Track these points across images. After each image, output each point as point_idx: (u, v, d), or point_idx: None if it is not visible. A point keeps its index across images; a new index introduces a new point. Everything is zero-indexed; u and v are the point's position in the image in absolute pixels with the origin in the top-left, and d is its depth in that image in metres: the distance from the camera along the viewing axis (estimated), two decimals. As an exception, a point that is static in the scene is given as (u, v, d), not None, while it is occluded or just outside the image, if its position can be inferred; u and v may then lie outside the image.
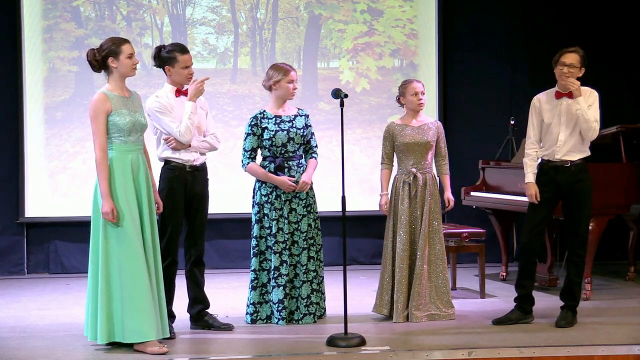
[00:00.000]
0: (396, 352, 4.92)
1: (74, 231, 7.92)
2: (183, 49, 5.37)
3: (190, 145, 5.37)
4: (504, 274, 7.34)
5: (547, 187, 5.57)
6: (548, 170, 5.58)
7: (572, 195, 5.54)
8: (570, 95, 5.48)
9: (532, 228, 5.60)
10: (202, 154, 5.49)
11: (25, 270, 7.98)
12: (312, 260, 5.72)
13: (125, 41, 5.00)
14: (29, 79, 7.91)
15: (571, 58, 5.49)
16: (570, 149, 5.52)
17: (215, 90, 7.97)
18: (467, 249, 6.74)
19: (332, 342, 5.07)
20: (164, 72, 5.40)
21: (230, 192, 7.69)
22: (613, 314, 5.93)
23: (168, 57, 5.34)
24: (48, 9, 7.95)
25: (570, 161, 5.51)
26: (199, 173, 5.47)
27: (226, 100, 8.07)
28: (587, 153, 5.58)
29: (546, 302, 6.08)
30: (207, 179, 5.57)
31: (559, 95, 5.53)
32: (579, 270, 5.58)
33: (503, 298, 6.34)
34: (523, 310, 5.61)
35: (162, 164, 5.45)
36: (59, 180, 7.96)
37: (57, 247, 8.01)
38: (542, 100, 5.61)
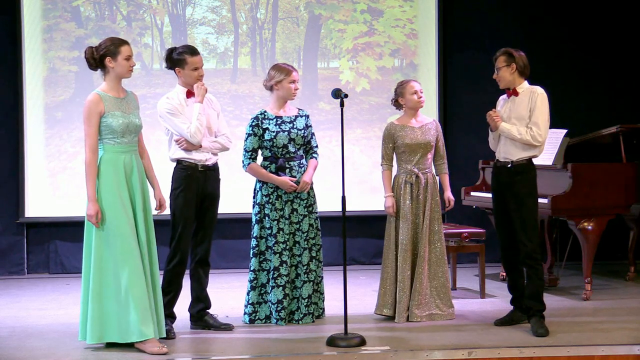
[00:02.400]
0: (396, 352, 4.92)
1: (74, 231, 7.90)
2: (193, 51, 5.41)
3: (201, 146, 5.38)
4: (504, 273, 7.33)
5: (495, 187, 5.61)
6: (495, 169, 5.61)
7: (509, 197, 5.47)
8: (516, 93, 5.50)
9: (500, 226, 5.63)
10: (214, 154, 5.51)
11: (25, 270, 7.97)
12: (313, 261, 5.72)
13: (125, 42, 5.01)
14: (29, 79, 7.91)
15: (496, 63, 5.55)
16: (509, 147, 5.47)
17: (215, 90, 7.95)
18: (467, 249, 6.74)
19: (332, 342, 5.07)
20: (175, 73, 5.43)
21: (231, 192, 7.66)
22: (613, 314, 5.93)
23: (178, 59, 5.38)
24: (48, 9, 7.95)
25: (512, 160, 5.46)
26: (211, 173, 5.49)
27: (226, 100, 8.07)
28: (533, 153, 5.46)
29: (546, 302, 6.07)
30: (219, 179, 5.58)
31: (508, 94, 5.58)
32: (537, 272, 5.42)
33: (503, 298, 6.34)
34: (522, 310, 5.61)
35: (174, 164, 5.48)
36: (59, 180, 7.96)
37: (57, 247, 8.01)
38: (500, 100, 5.68)
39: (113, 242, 4.87)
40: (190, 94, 5.42)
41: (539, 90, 5.48)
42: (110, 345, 4.97)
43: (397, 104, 5.90)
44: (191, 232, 5.45)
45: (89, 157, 4.89)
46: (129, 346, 4.94)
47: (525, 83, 5.54)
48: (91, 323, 4.88)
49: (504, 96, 5.64)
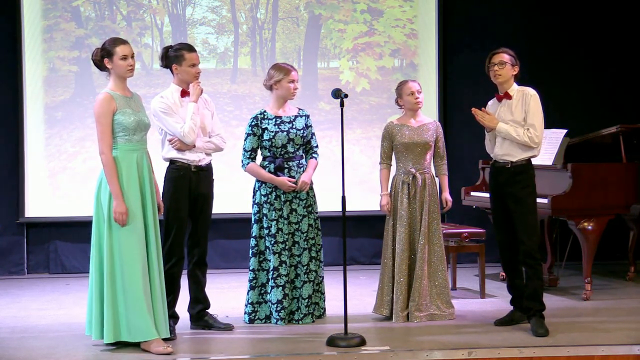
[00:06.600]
0: (396, 352, 4.92)
1: (74, 231, 7.92)
2: (191, 48, 5.41)
3: (194, 146, 5.37)
4: (504, 273, 7.32)
5: (493, 187, 5.62)
6: (493, 170, 5.61)
7: (508, 197, 5.47)
8: (508, 96, 5.48)
9: (498, 226, 5.63)
10: (208, 154, 5.50)
11: (25, 270, 7.97)
12: (313, 261, 5.72)
13: (121, 42, 5.00)
14: (29, 79, 7.91)
15: (499, 57, 5.50)
16: (508, 148, 5.46)
17: (215, 90, 7.96)
18: (467, 249, 6.74)
19: (332, 342, 5.07)
20: (171, 71, 5.41)
21: (230, 192, 7.68)
22: (613, 314, 5.93)
23: (175, 55, 5.35)
24: (48, 9, 7.94)
25: (511, 162, 5.46)
26: (204, 173, 5.47)
27: (226, 100, 8.07)
28: (531, 153, 5.46)
29: (546, 302, 6.07)
30: (213, 180, 5.57)
31: (499, 98, 5.55)
32: (537, 272, 5.42)
33: (503, 298, 6.34)
34: (522, 310, 5.60)
35: (166, 164, 5.45)
36: (59, 180, 7.96)
37: (57, 247, 8.00)
38: (489, 104, 5.66)
39: (122, 241, 4.87)
40: (185, 93, 5.39)
41: (531, 92, 5.47)
42: (113, 345, 4.97)
43: (398, 104, 5.94)
44: (185, 232, 5.44)
45: (108, 156, 4.89)
46: (130, 345, 4.95)
47: (515, 85, 5.54)
48: (107, 322, 4.88)
49: (494, 100, 5.62)
